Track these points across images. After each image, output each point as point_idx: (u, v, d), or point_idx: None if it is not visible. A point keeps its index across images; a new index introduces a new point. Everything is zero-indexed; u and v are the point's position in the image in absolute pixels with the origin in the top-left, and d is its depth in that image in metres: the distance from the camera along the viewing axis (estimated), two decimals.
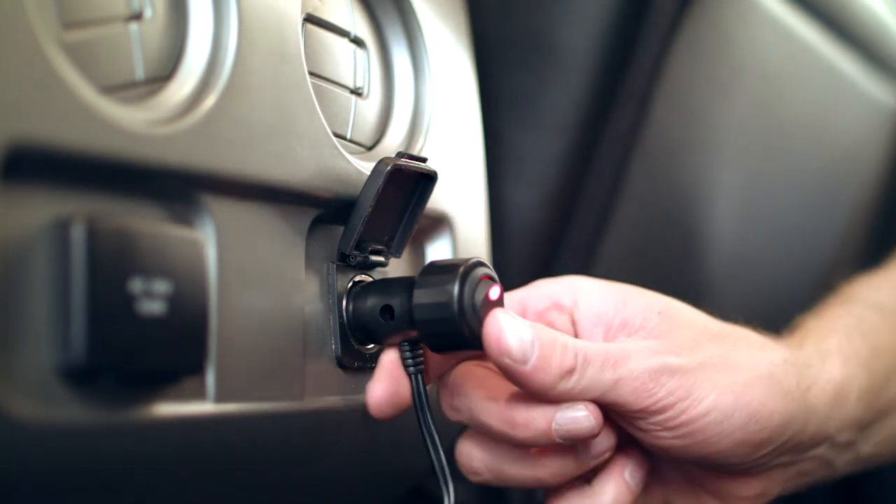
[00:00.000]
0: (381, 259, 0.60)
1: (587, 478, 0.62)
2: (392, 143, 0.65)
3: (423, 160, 0.59)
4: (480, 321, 0.56)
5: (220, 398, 0.51)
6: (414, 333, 0.57)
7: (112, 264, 0.44)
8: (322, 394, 0.57)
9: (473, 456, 0.61)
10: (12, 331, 0.43)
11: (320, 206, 0.57)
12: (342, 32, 0.62)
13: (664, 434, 0.59)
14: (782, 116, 1.05)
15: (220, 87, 0.51)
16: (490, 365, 0.60)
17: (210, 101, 0.51)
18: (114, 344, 0.44)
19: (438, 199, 0.65)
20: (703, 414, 0.58)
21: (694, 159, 0.93)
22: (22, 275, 0.43)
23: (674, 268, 0.94)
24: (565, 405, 0.57)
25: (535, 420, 0.57)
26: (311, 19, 0.60)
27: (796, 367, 0.63)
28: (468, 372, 0.60)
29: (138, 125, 0.47)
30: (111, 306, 0.44)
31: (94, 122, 0.45)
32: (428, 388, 0.59)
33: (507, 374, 0.56)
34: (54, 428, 0.44)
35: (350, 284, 0.59)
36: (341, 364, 0.59)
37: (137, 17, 0.50)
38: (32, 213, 0.44)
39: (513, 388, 0.58)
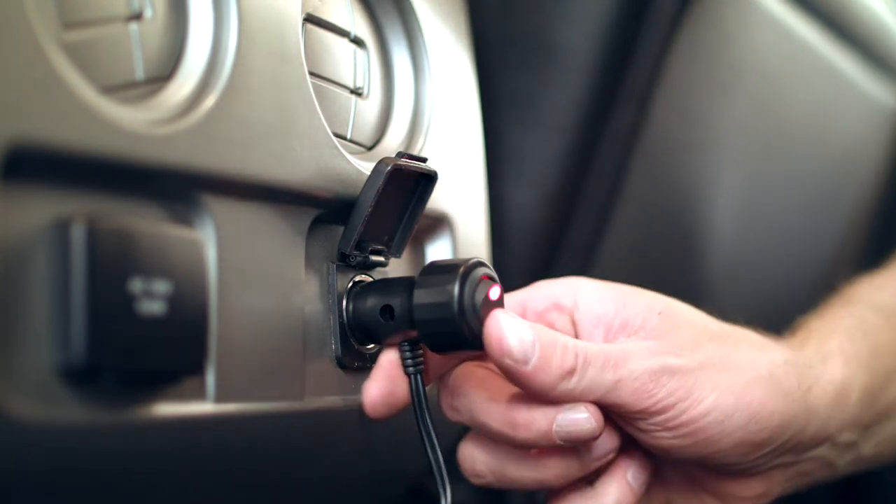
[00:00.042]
0: (381, 259, 0.60)
1: (590, 479, 0.62)
2: (392, 143, 0.65)
3: (423, 160, 0.59)
4: (480, 321, 0.56)
5: (220, 398, 0.51)
6: (414, 333, 0.57)
7: (112, 264, 0.44)
8: (322, 394, 0.57)
9: (476, 458, 0.61)
10: (12, 331, 0.43)
11: (320, 206, 0.57)
12: (342, 32, 0.62)
13: (664, 434, 0.59)
14: (782, 116, 1.05)
15: (220, 87, 0.51)
16: (490, 365, 0.60)
17: (210, 101, 0.51)
18: (114, 344, 0.44)
19: (438, 199, 0.65)
20: (703, 414, 0.58)
21: (694, 159, 0.93)
22: (22, 275, 0.43)
23: (674, 268, 0.94)
24: (566, 406, 0.57)
25: (536, 421, 0.57)
26: (311, 19, 0.60)
27: (797, 368, 0.63)
28: (468, 372, 0.60)
29: (138, 125, 0.47)
30: (111, 306, 0.44)
31: (94, 122, 0.45)
32: (427, 388, 0.59)
33: (508, 374, 0.56)
34: (54, 428, 0.44)
35: (350, 284, 0.59)
36: (341, 364, 0.59)
37: (137, 17, 0.50)
38: (32, 213, 0.44)
39: (513, 389, 0.58)
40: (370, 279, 0.61)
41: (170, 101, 0.50)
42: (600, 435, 0.58)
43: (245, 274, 0.52)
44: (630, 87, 0.79)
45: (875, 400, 0.67)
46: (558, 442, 0.57)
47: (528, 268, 0.78)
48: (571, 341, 0.57)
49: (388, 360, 0.58)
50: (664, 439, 0.59)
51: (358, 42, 0.63)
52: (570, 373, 0.56)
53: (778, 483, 0.65)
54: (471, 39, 0.73)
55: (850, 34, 1.11)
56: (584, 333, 0.62)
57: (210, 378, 0.50)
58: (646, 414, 0.58)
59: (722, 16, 0.89)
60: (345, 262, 0.59)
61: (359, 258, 0.59)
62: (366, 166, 0.59)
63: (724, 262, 0.99)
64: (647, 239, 0.90)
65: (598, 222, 0.82)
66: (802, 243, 1.18)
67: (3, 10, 0.42)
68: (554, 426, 0.57)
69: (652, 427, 0.59)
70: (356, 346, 0.59)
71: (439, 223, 0.67)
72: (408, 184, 0.60)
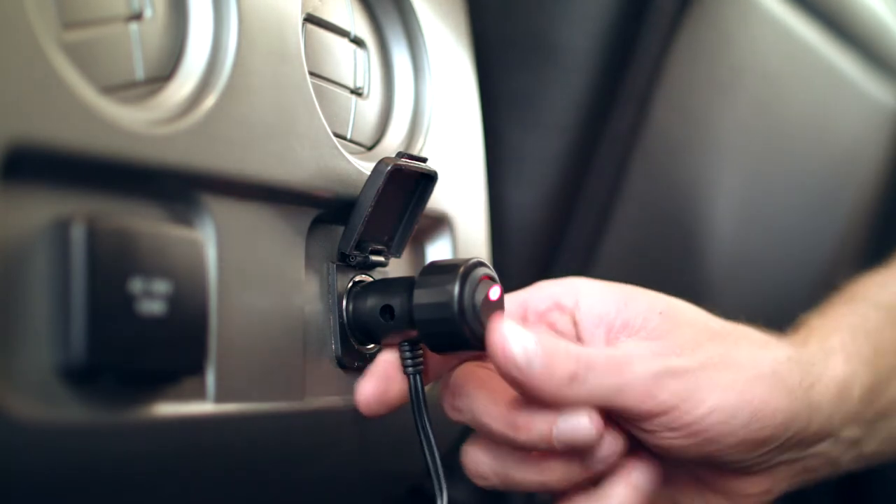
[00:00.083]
0: (381, 259, 0.60)
1: (596, 481, 0.62)
2: (392, 143, 0.65)
3: (424, 160, 0.59)
4: (481, 321, 0.56)
5: (220, 398, 0.51)
6: (414, 333, 0.57)
7: (112, 264, 0.44)
8: (322, 394, 0.57)
9: (479, 461, 0.61)
10: (12, 331, 0.43)
11: (320, 206, 0.57)
12: (342, 32, 0.62)
13: (668, 434, 0.59)
14: (782, 116, 1.05)
15: (220, 87, 0.51)
16: (492, 366, 0.60)
17: (210, 101, 0.51)
18: (114, 344, 0.44)
19: (438, 199, 0.65)
20: (706, 414, 0.58)
21: (694, 159, 0.93)
22: (22, 275, 0.43)
23: (674, 268, 0.94)
24: (567, 411, 0.57)
25: (537, 424, 0.57)
26: (311, 19, 0.60)
27: (800, 365, 0.63)
28: (470, 372, 0.60)
29: (138, 125, 0.47)
30: (111, 306, 0.44)
31: (94, 122, 0.45)
32: (427, 388, 0.59)
33: (511, 381, 0.56)
34: (54, 428, 0.44)
35: (350, 284, 0.59)
36: (341, 364, 0.59)
37: (137, 17, 0.50)
38: (32, 213, 0.44)
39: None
40: (370, 279, 0.61)
41: (170, 101, 0.50)
42: (600, 441, 0.58)
43: (245, 274, 0.52)
44: (630, 87, 0.79)
45: (877, 397, 0.68)
46: (558, 447, 0.57)
47: (528, 268, 0.78)
48: (574, 348, 0.57)
49: (384, 360, 0.58)
50: (667, 439, 0.59)
51: (358, 42, 0.63)
52: (573, 378, 0.56)
53: (782, 479, 0.65)
54: (471, 39, 0.73)
55: (850, 34, 1.11)
56: (586, 333, 0.62)
57: (210, 378, 0.50)
58: (649, 416, 0.58)
59: (722, 16, 0.89)
60: (345, 262, 0.59)
61: (359, 258, 0.59)
62: (366, 166, 0.59)
63: (724, 262, 0.99)
64: (647, 239, 0.90)
65: (598, 222, 0.82)
66: (802, 243, 1.18)
67: (3, 10, 0.42)
68: (554, 431, 0.57)
69: (655, 428, 0.59)
70: (356, 346, 0.59)
71: (439, 223, 0.67)
72: (408, 184, 0.60)
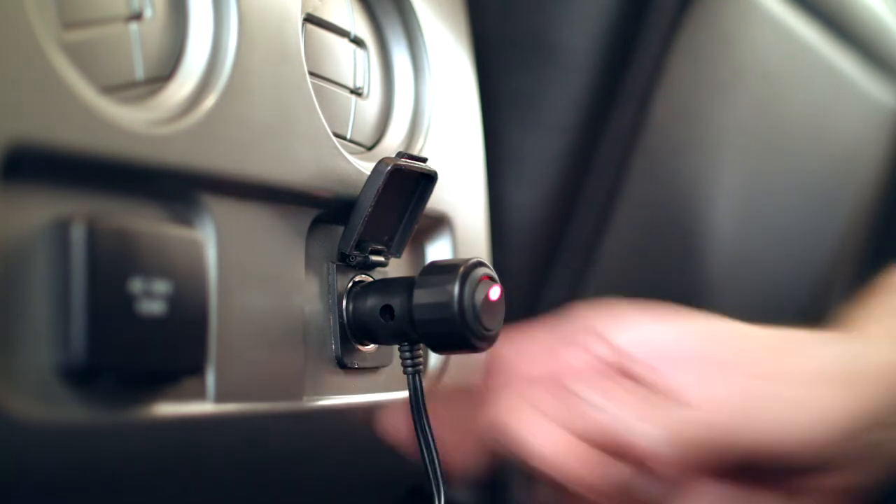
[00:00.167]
0: (381, 259, 0.60)
1: None
2: (392, 143, 0.65)
3: (423, 160, 0.60)
4: (481, 321, 0.56)
5: (220, 398, 0.51)
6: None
7: (112, 264, 0.44)
8: (322, 394, 0.57)
9: None
10: (12, 331, 0.43)
11: (320, 206, 0.57)
12: (342, 32, 0.62)
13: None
14: (782, 116, 1.05)
15: (220, 87, 0.51)
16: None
17: (210, 101, 0.51)
18: (114, 344, 0.44)
19: (438, 199, 0.65)
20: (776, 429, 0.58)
21: (694, 159, 0.93)
22: (22, 275, 0.43)
23: (674, 268, 0.94)
24: None
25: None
26: (311, 19, 0.60)
27: (856, 358, 0.62)
28: None
29: (138, 125, 0.47)
30: (111, 306, 0.44)
31: (94, 122, 0.45)
32: (427, 388, 0.59)
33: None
34: (54, 428, 0.44)
35: (350, 284, 0.59)
36: (341, 364, 0.59)
37: (137, 17, 0.50)
38: (32, 213, 0.44)
39: None
40: (370, 279, 0.61)
41: (170, 101, 0.50)
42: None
43: (245, 274, 0.52)
44: (630, 87, 0.79)
45: None
46: None
47: (528, 268, 0.78)
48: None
49: None
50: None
51: (358, 42, 0.63)
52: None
53: (868, 469, 0.64)
54: (471, 39, 0.73)
55: (850, 34, 1.11)
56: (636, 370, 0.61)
57: (210, 378, 0.50)
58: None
59: (722, 16, 0.89)
60: (345, 262, 0.59)
61: (359, 258, 0.59)
62: (366, 166, 0.59)
63: (724, 262, 0.99)
64: (647, 239, 0.90)
65: (598, 222, 0.82)
66: (802, 243, 1.18)
67: (3, 10, 0.42)
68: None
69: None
70: (356, 346, 0.59)
71: (439, 223, 0.67)
72: (408, 184, 0.60)
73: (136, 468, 0.49)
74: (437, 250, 0.67)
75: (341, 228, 0.58)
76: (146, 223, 0.46)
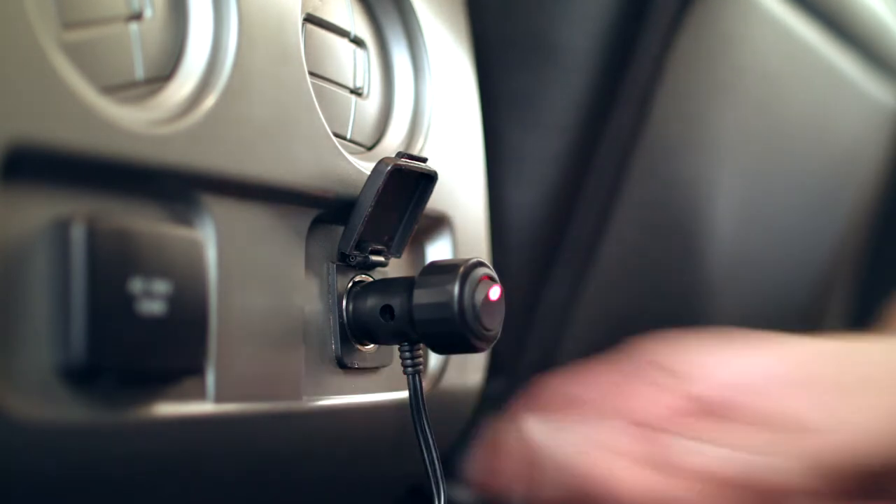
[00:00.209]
0: (381, 259, 0.60)
1: None
2: (392, 143, 0.65)
3: (423, 160, 0.60)
4: (481, 321, 0.56)
5: (220, 398, 0.51)
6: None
7: (112, 264, 0.44)
8: (322, 394, 0.57)
9: None
10: (12, 331, 0.43)
11: (320, 206, 0.57)
12: (342, 32, 0.62)
13: None
14: (782, 116, 1.05)
15: (220, 87, 0.51)
16: None
17: (210, 101, 0.51)
18: (114, 344, 0.44)
19: (438, 199, 0.65)
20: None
21: (694, 159, 0.93)
22: (22, 275, 0.43)
23: (674, 268, 0.94)
24: None
25: None
26: (311, 19, 0.60)
27: None
28: None
29: (138, 125, 0.47)
30: (111, 306, 0.44)
31: (94, 122, 0.45)
32: (427, 388, 0.59)
33: None
34: (54, 428, 0.44)
35: (350, 284, 0.59)
36: (341, 364, 0.59)
37: (137, 17, 0.50)
38: (32, 213, 0.44)
39: None
40: (370, 279, 0.61)
41: (170, 101, 0.50)
42: None
43: (245, 274, 0.52)
44: (630, 87, 0.79)
45: None
46: None
47: (528, 268, 0.78)
48: None
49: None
50: None
51: (358, 42, 0.63)
52: None
53: None
54: (471, 39, 0.73)
55: (850, 34, 1.11)
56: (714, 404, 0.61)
57: (210, 378, 0.50)
58: None
59: (722, 16, 0.89)
60: (345, 262, 0.59)
61: (359, 258, 0.59)
62: (366, 166, 0.59)
63: (724, 262, 0.99)
64: (647, 239, 0.90)
65: (598, 222, 0.82)
66: (802, 243, 1.18)
67: (3, 10, 0.42)
68: None
69: None
70: (356, 346, 0.59)
71: (439, 223, 0.67)
72: (408, 184, 0.60)
73: (136, 468, 0.49)
74: (437, 250, 0.67)
75: (341, 228, 0.58)
76: (146, 223, 0.46)
